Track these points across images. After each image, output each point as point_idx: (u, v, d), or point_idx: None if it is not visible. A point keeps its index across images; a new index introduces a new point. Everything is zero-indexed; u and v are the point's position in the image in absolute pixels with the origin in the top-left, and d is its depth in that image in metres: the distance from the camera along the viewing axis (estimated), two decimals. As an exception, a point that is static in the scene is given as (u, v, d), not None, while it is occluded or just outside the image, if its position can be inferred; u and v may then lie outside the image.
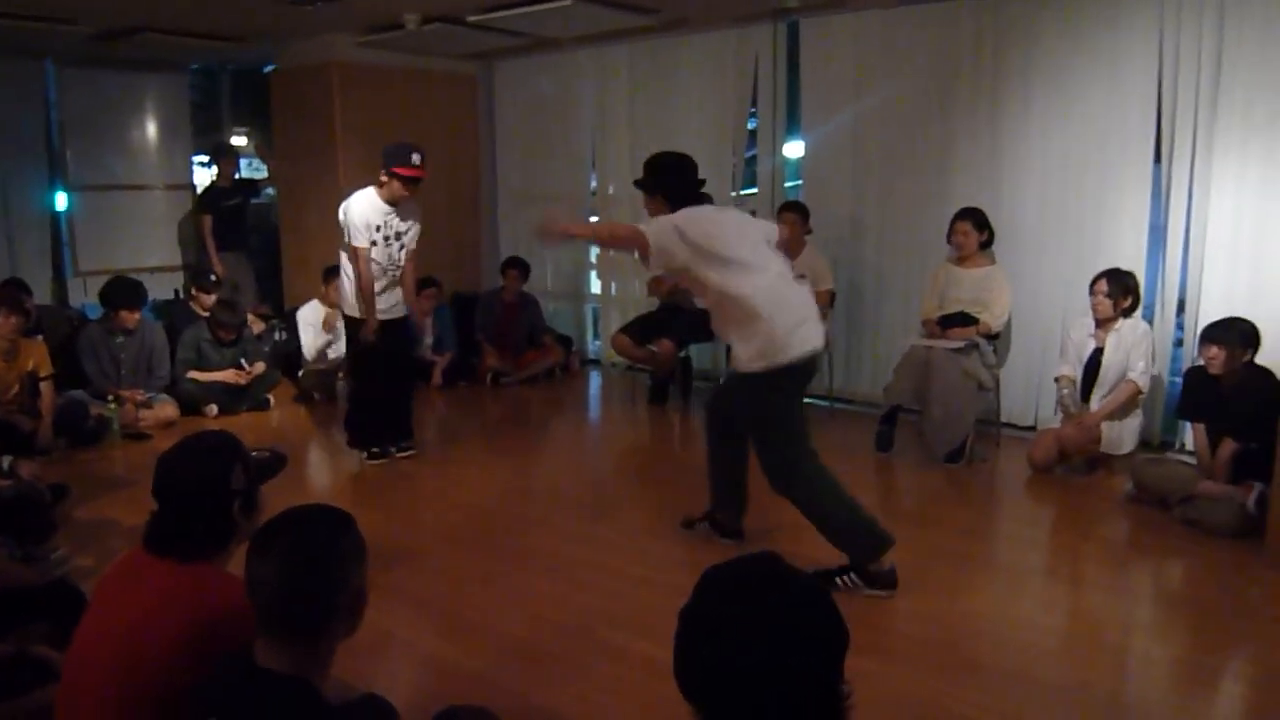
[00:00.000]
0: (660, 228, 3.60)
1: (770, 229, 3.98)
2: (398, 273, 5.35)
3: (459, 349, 7.63)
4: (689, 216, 3.65)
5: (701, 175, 3.81)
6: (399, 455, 5.55)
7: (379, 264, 5.23)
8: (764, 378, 3.64)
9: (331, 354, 7.04)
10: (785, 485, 3.73)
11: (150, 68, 8.54)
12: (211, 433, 2.20)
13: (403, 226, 5.28)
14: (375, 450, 5.51)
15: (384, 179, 5.13)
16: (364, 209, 5.17)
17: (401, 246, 5.30)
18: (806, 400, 6.06)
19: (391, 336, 5.41)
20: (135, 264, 8.17)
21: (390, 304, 5.37)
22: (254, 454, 2.17)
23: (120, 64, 8.26)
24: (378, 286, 5.25)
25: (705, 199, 3.86)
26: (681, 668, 1.29)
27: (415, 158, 5.08)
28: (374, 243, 5.19)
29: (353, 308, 5.31)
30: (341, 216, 5.20)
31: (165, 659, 1.83)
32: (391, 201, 5.18)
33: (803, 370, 3.70)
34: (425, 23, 6.73)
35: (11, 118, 7.96)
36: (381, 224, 5.19)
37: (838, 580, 3.63)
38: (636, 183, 3.97)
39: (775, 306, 3.60)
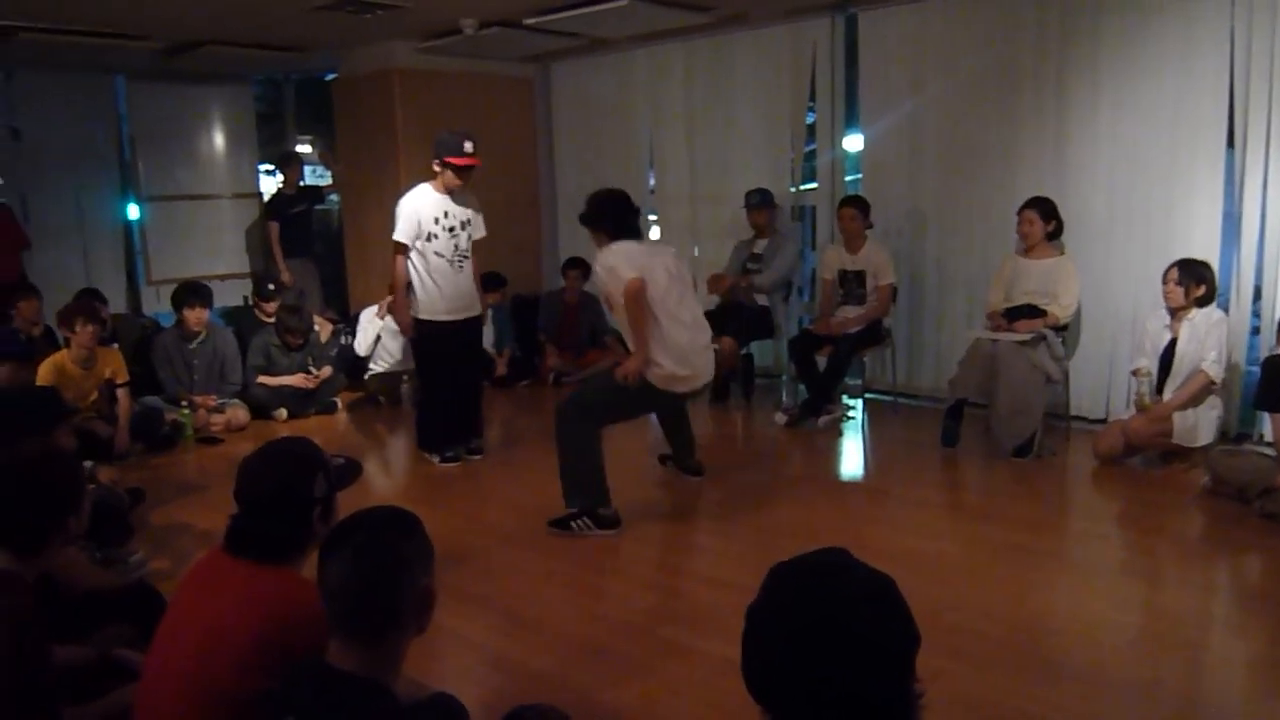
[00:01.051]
0: (612, 266, 4.29)
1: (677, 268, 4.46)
2: (464, 263, 5.34)
3: (520, 349, 7.69)
4: (624, 247, 4.33)
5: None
6: (469, 456, 5.59)
7: (443, 256, 5.25)
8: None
9: (389, 357, 7.11)
10: (561, 423, 4.40)
11: (216, 80, 8.76)
12: (294, 439, 2.25)
13: (465, 215, 5.32)
14: (450, 455, 5.54)
15: (437, 168, 5.19)
16: (417, 204, 5.21)
17: (469, 236, 5.33)
18: (871, 395, 6.16)
19: (466, 337, 5.44)
20: (205, 272, 8.36)
21: (465, 303, 5.39)
22: (331, 461, 2.21)
23: (187, 77, 8.48)
24: (444, 281, 5.26)
25: (638, 233, 4.51)
26: (750, 667, 1.28)
27: (468, 145, 5.14)
28: (434, 235, 5.21)
29: (418, 308, 5.32)
30: (396, 209, 5.25)
31: (243, 659, 1.88)
32: (447, 191, 5.23)
33: (668, 396, 4.42)
34: (483, 27, 6.79)
35: (85, 132, 8.23)
36: (441, 215, 5.23)
37: (572, 525, 4.31)
38: (581, 218, 4.55)
39: (675, 353, 4.28)
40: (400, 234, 5.20)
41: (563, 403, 4.52)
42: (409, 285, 5.31)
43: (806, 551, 1.35)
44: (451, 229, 5.27)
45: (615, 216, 4.44)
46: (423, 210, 5.21)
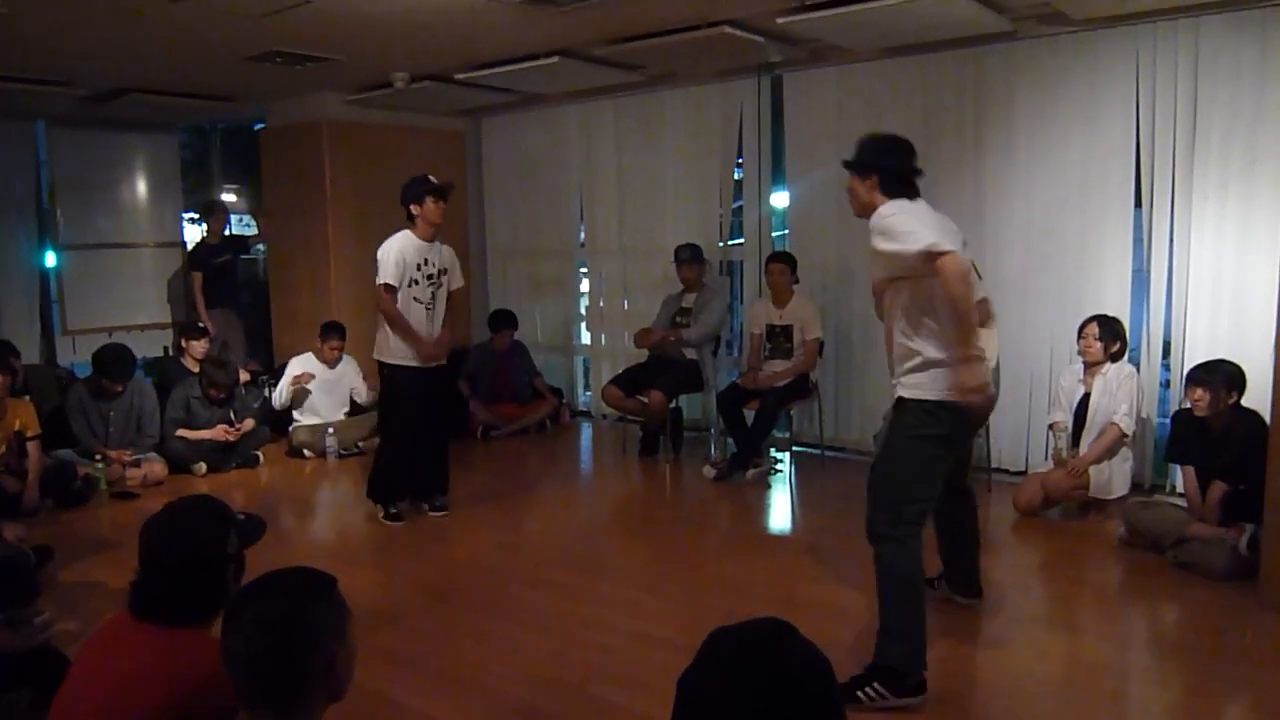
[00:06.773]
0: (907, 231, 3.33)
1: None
2: (440, 313, 5.29)
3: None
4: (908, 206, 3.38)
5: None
6: (431, 513, 5.47)
7: (420, 302, 5.18)
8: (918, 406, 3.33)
9: (316, 411, 7.03)
10: (875, 536, 3.38)
11: (141, 127, 8.60)
12: (197, 498, 2.18)
13: (443, 265, 5.28)
14: (394, 512, 5.39)
15: (414, 211, 5.14)
16: (400, 246, 5.14)
17: (443, 286, 5.28)
18: (799, 448, 5.88)
19: (432, 387, 5.32)
20: (124, 322, 8.16)
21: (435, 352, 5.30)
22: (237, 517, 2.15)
23: (111, 124, 8.32)
24: (418, 328, 5.17)
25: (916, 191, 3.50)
26: None
27: (433, 178, 5.13)
28: (415, 281, 5.16)
29: (393, 354, 5.20)
30: (379, 255, 5.18)
31: (149, 725, 1.80)
32: (429, 236, 5.18)
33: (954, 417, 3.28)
34: (414, 81, 6.82)
35: (2, 177, 8.00)
36: (422, 262, 5.18)
37: (859, 694, 3.11)
38: (846, 163, 3.57)
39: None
40: (387, 276, 5.10)
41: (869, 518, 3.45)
42: (379, 326, 5.23)
43: (746, 619, 1.33)
44: (430, 276, 5.22)
45: (886, 161, 3.57)
46: (407, 254, 5.14)
